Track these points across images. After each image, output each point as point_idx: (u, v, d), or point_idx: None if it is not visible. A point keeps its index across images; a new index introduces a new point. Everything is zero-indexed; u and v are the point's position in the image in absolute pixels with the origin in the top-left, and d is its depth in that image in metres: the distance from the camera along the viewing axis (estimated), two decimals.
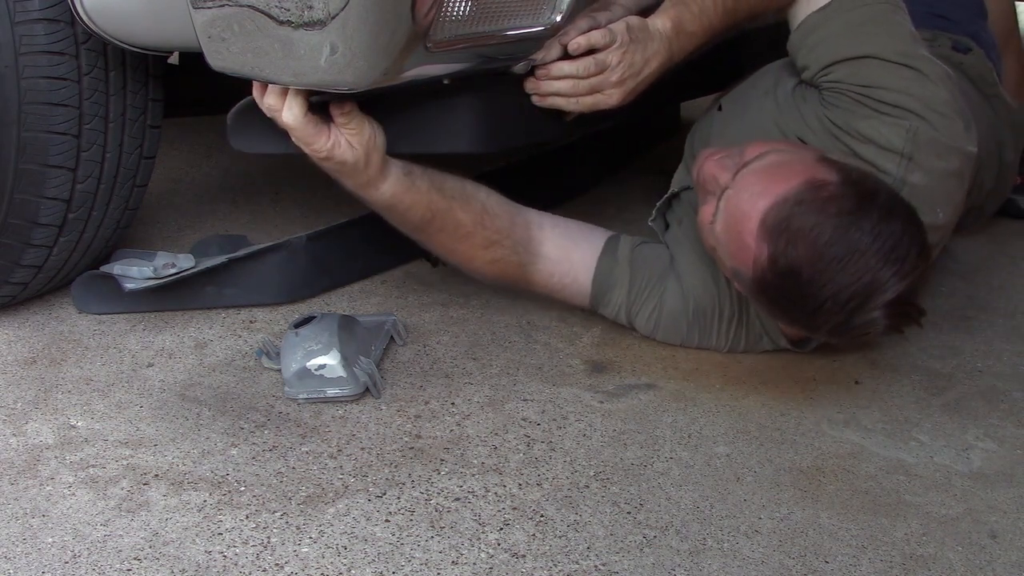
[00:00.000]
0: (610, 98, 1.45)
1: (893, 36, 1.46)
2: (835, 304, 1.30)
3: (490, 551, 1.18)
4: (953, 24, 1.98)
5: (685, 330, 1.61)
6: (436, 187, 1.49)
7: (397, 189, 1.46)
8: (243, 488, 1.27)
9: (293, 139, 1.37)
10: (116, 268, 1.63)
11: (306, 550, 1.17)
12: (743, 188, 1.36)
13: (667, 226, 1.68)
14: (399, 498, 1.26)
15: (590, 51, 1.41)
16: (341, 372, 1.43)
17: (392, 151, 1.44)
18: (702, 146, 1.66)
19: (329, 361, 1.43)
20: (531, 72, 1.43)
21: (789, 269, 1.31)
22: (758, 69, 1.67)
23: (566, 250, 1.60)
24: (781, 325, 1.54)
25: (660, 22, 1.46)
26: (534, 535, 1.21)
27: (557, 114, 1.47)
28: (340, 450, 1.35)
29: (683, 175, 1.71)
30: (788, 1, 1.52)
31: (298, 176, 2.29)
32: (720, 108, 1.69)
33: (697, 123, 1.75)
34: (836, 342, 1.52)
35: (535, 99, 1.46)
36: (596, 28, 1.42)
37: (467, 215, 1.52)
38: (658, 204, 1.68)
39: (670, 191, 1.69)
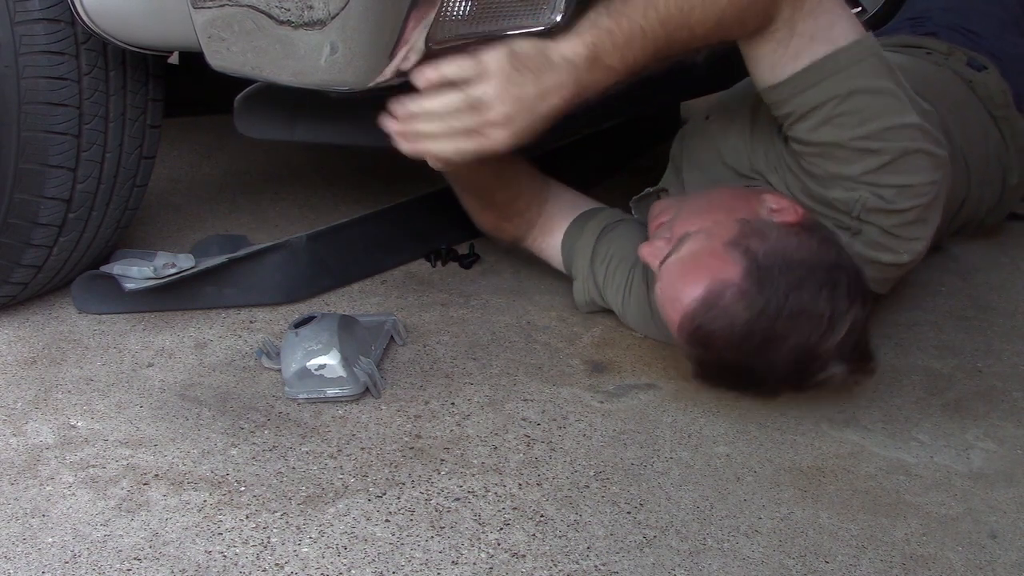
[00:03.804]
0: (495, 141, 1.23)
1: (865, 116, 1.34)
2: (775, 377, 1.34)
3: (490, 551, 1.18)
4: (979, 39, 1.96)
5: (652, 320, 1.59)
6: (495, 170, 1.59)
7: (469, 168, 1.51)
8: (243, 488, 1.27)
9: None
10: (116, 268, 1.63)
11: (306, 550, 1.17)
12: (664, 284, 1.37)
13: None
14: (399, 498, 1.26)
15: (450, 84, 1.21)
16: (341, 372, 1.43)
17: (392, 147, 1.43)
18: (687, 159, 1.65)
19: (329, 361, 1.43)
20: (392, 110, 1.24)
21: (717, 364, 1.34)
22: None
23: (553, 219, 1.71)
24: None
25: (570, 48, 1.22)
26: (534, 535, 1.21)
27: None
28: (340, 450, 1.35)
29: (671, 177, 1.70)
30: (740, 35, 1.33)
31: (298, 176, 2.29)
32: (707, 118, 1.68)
33: (685, 128, 1.74)
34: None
35: (404, 146, 1.26)
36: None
37: (505, 194, 1.66)
38: (635, 197, 1.69)
39: (656, 187, 1.69)
